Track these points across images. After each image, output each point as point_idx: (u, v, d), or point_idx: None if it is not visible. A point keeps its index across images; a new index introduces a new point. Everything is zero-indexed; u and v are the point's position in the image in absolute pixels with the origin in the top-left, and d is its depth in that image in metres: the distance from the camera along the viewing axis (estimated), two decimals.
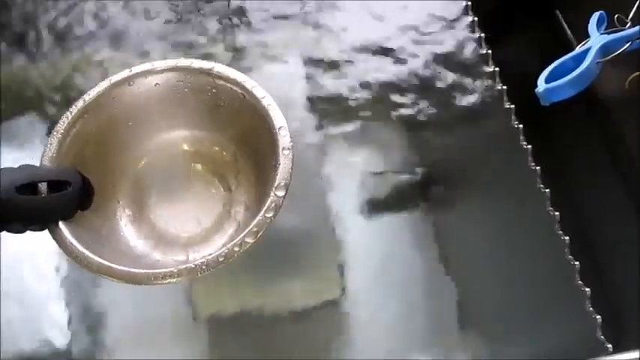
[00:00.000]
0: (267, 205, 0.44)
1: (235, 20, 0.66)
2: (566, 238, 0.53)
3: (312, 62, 0.63)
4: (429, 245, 0.55)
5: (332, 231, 0.56)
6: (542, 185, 0.55)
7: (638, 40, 0.46)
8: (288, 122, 0.47)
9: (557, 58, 0.48)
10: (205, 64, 0.49)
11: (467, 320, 0.52)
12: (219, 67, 0.49)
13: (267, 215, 0.43)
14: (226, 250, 0.43)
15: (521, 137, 0.58)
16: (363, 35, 0.64)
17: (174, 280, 0.42)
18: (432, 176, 0.58)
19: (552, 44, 0.62)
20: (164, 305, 0.54)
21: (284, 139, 0.46)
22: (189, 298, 0.53)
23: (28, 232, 0.43)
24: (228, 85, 0.49)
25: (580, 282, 0.52)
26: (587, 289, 0.51)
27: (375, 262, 0.55)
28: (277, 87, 0.51)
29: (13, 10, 0.67)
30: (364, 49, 0.64)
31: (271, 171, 0.45)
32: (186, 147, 0.52)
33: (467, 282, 0.53)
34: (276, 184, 0.44)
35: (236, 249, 0.43)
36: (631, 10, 0.47)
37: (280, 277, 0.54)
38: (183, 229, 0.50)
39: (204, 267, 0.43)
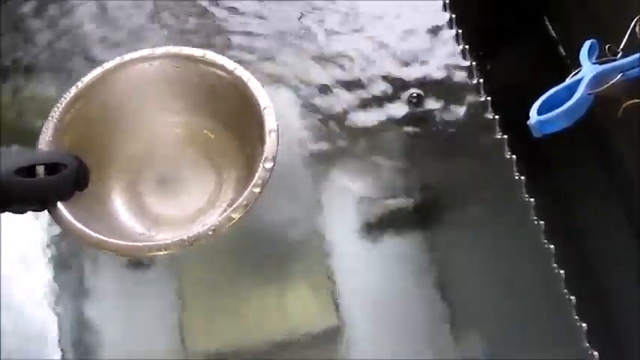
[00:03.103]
0: (254, 180, 0.46)
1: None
2: (562, 271, 0.52)
3: (307, 87, 0.63)
4: (424, 272, 0.55)
5: (326, 256, 0.55)
6: (535, 217, 0.55)
7: (629, 71, 0.45)
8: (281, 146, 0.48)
9: (551, 83, 0.47)
10: (196, 52, 0.52)
11: (463, 347, 0.52)
12: (209, 55, 0.52)
13: (255, 190, 0.46)
14: (217, 224, 0.45)
15: (514, 168, 0.57)
16: (355, 62, 0.65)
17: (167, 252, 0.44)
18: (426, 205, 0.57)
19: (546, 68, 0.62)
20: (156, 340, 0.53)
21: (270, 120, 0.48)
22: (180, 333, 0.53)
23: (28, 232, 0.46)
24: (218, 71, 0.51)
25: (576, 317, 0.51)
26: (584, 325, 0.50)
27: (370, 288, 0.55)
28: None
29: None
30: (354, 76, 0.64)
31: (259, 150, 0.47)
32: (177, 131, 0.54)
33: (462, 311, 0.53)
34: (263, 158, 0.46)
35: (226, 221, 0.45)
36: (622, 36, 0.47)
37: (274, 306, 0.54)
38: (176, 209, 0.52)
39: (194, 239, 0.44)
